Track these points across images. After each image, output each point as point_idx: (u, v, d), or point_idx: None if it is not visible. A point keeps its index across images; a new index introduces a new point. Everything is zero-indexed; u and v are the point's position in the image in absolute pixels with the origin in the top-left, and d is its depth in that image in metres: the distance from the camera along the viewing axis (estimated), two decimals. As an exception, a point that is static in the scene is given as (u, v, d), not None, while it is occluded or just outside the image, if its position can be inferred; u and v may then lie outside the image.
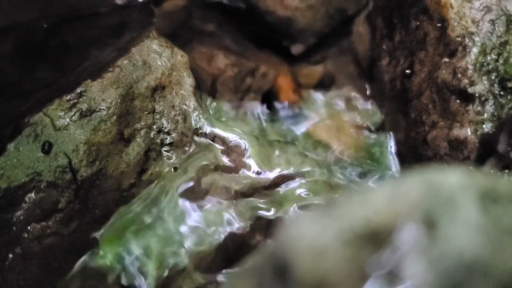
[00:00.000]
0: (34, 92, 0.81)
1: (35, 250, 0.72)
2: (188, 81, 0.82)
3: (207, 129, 0.82)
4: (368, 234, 0.39)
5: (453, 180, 0.42)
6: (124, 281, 0.72)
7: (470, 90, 0.74)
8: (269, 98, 0.91)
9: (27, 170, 0.72)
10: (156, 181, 0.78)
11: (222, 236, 0.76)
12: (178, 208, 0.77)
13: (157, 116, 0.80)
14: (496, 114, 0.73)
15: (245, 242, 0.76)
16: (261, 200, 0.80)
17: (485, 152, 0.73)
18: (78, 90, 0.76)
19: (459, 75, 0.75)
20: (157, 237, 0.75)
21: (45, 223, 0.72)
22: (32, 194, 0.72)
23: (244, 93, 0.90)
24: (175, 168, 0.79)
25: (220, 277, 0.74)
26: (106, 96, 0.76)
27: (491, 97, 0.74)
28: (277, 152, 0.84)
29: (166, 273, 0.73)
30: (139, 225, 0.75)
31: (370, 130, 0.88)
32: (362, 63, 0.94)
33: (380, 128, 0.88)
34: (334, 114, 0.90)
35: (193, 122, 0.81)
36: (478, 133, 0.74)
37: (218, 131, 0.82)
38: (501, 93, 0.74)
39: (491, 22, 0.75)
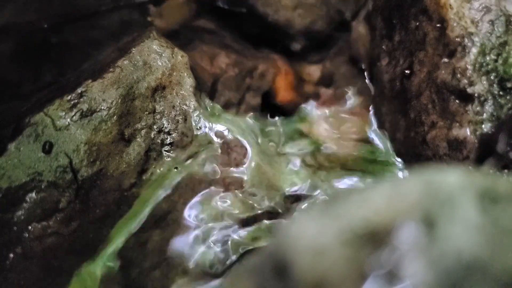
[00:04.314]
0: (34, 92, 0.81)
1: (36, 249, 0.72)
2: (189, 81, 0.83)
3: (208, 129, 0.82)
4: (368, 234, 0.39)
5: (452, 180, 0.42)
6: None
7: (469, 90, 0.75)
8: (269, 97, 0.91)
9: (28, 170, 0.73)
10: (156, 181, 0.78)
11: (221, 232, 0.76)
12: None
13: (158, 116, 0.80)
14: (495, 114, 0.74)
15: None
16: (261, 199, 0.80)
17: (484, 152, 0.73)
18: (79, 90, 0.76)
19: (459, 75, 0.75)
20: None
21: (46, 223, 0.72)
22: (33, 194, 0.72)
23: (244, 92, 0.90)
24: (176, 168, 0.79)
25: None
26: (107, 96, 0.76)
27: (490, 97, 0.74)
28: (277, 152, 0.84)
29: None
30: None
31: (369, 130, 0.88)
32: (362, 63, 0.94)
33: (380, 128, 0.88)
34: (333, 114, 0.90)
35: (193, 122, 0.81)
36: (477, 133, 0.74)
37: (218, 130, 0.82)
38: (500, 93, 0.74)
39: (490, 22, 0.75)
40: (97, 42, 0.89)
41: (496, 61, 0.74)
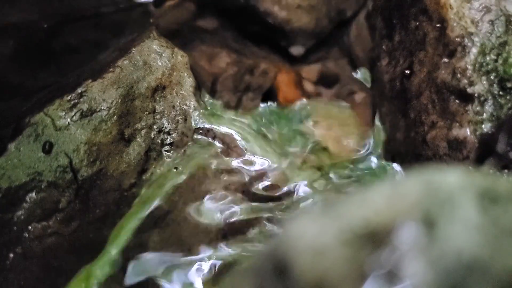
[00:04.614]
0: (34, 92, 0.81)
1: (36, 249, 0.72)
2: (189, 81, 0.83)
3: (208, 129, 0.82)
4: (368, 234, 0.39)
5: (452, 180, 0.42)
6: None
7: (469, 90, 0.75)
8: (270, 96, 0.91)
9: (28, 170, 0.73)
10: (156, 181, 0.78)
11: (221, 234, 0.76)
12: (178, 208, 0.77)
13: (158, 116, 0.80)
14: (495, 114, 0.74)
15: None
16: (261, 199, 0.80)
17: (484, 152, 0.73)
18: (79, 90, 0.76)
19: (459, 75, 0.75)
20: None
21: (46, 223, 0.72)
22: (33, 194, 0.72)
23: (245, 92, 0.90)
24: (176, 168, 0.79)
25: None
26: (107, 96, 0.77)
27: (490, 97, 0.74)
28: (277, 152, 0.84)
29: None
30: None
31: (370, 130, 0.88)
32: (362, 63, 0.94)
33: (380, 128, 0.88)
34: (334, 114, 0.90)
35: (193, 122, 0.81)
36: (477, 133, 0.74)
37: (218, 130, 0.82)
38: (500, 93, 0.74)
39: (490, 22, 0.75)
40: (97, 42, 0.89)
41: (496, 61, 0.74)
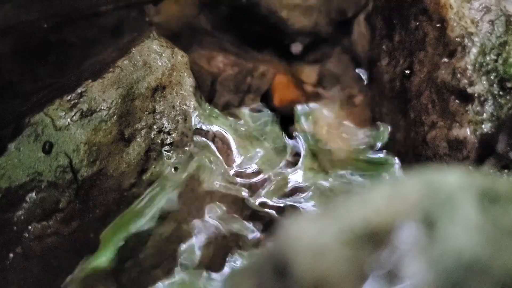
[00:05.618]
0: (34, 92, 0.81)
1: (36, 249, 0.72)
2: (189, 81, 0.83)
3: (207, 129, 0.82)
4: (368, 234, 0.40)
5: (452, 180, 0.42)
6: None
7: (469, 90, 0.75)
8: (269, 97, 0.91)
9: (28, 170, 0.73)
10: (156, 181, 0.78)
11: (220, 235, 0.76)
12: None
13: (158, 116, 0.80)
14: (495, 114, 0.74)
15: (241, 241, 0.77)
16: (260, 200, 0.80)
17: (484, 152, 0.73)
18: (79, 90, 0.76)
19: (459, 75, 0.75)
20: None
21: (46, 223, 0.72)
22: (33, 194, 0.72)
23: (244, 92, 0.90)
24: (176, 168, 0.79)
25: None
26: (107, 96, 0.77)
27: (490, 97, 0.74)
28: (277, 152, 0.84)
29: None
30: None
31: (369, 130, 0.88)
32: (362, 63, 0.94)
33: (380, 128, 0.88)
34: (333, 114, 0.90)
35: (193, 122, 0.81)
36: (477, 133, 0.74)
37: (218, 131, 0.82)
38: (500, 93, 0.74)
39: (490, 22, 0.75)
40: (97, 42, 0.89)
41: (496, 61, 0.74)
